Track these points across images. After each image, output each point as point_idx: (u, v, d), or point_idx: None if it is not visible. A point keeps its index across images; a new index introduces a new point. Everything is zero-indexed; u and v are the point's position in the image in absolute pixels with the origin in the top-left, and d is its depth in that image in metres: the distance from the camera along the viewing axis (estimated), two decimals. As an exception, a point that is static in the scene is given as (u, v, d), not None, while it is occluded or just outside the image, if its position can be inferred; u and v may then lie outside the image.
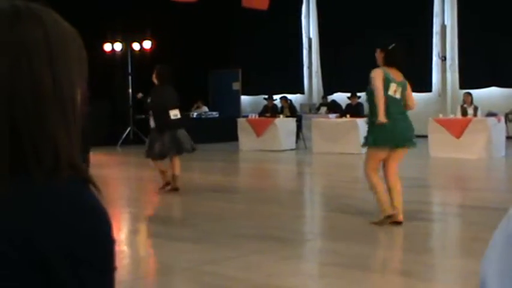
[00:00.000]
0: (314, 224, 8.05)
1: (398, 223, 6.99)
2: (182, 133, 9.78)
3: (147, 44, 20.83)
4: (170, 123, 9.61)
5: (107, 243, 1.03)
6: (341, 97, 21.01)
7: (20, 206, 0.98)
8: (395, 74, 7.02)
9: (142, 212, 8.72)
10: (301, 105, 22.70)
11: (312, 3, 24.24)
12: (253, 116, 19.13)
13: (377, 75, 6.92)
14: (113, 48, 20.98)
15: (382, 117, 6.84)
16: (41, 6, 1.08)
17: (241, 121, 18.64)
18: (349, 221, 7.49)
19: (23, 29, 1.03)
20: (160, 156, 9.66)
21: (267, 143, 17.56)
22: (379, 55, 7.15)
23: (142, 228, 7.75)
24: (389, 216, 7.00)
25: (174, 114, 9.69)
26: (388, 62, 7.04)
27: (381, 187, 7.04)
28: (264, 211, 8.31)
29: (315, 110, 21.14)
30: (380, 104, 6.82)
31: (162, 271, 5.70)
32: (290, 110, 19.12)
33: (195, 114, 21.49)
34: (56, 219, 0.98)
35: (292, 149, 17.74)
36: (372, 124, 7.03)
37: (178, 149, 9.72)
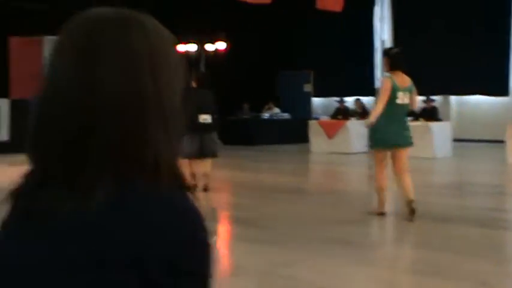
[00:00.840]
0: (387, 229, 7.95)
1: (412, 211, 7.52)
2: (209, 138, 9.90)
3: (221, 45, 21.02)
4: (198, 126, 9.73)
5: (206, 250, 1.03)
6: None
7: (123, 214, 0.99)
8: (402, 79, 7.48)
9: (207, 212, 8.79)
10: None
11: (386, 5, 23.95)
12: (325, 118, 19.04)
13: (385, 86, 7.47)
14: (186, 50, 21.27)
15: (369, 120, 7.61)
16: (143, 14, 1.08)
17: (312, 123, 18.59)
18: (422, 226, 7.37)
19: (130, 36, 1.04)
20: (187, 156, 9.75)
21: (339, 145, 17.45)
22: (385, 62, 7.65)
23: (211, 228, 7.82)
24: (381, 213, 7.86)
25: (204, 118, 9.84)
26: (394, 67, 7.49)
27: (379, 185, 7.84)
28: (337, 214, 8.26)
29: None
30: (375, 112, 7.51)
31: (235, 272, 5.73)
32: (363, 111, 18.93)
33: (266, 115, 21.58)
34: (158, 227, 0.99)
35: (363, 152, 17.57)
36: (371, 129, 7.68)
37: (201, 152, 9.86)
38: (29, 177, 1.07)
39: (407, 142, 7.70)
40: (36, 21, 20.34)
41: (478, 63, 20.11)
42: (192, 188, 1.08)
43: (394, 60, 7.52)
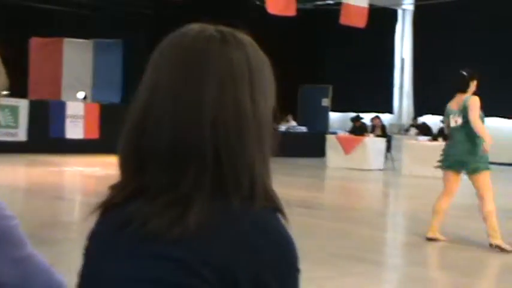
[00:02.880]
0: (406, 250, 7.88)
1: (497, 247, 7.11)
2: None
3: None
4: None
5: (294, 272, 1.03)
6: (431, 119, 20.61)
7: (217, 232, 0.99)
8: (454, 103, 7.40)
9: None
10: (391, 125, 22.41)
11: (408, 23, 23.94)
12: (342, 133, 19.00)
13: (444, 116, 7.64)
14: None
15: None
16: (240, 32, 1.10)
17: (330, 137, 18.55)
18: (444, 248, 7.30)
19: (230, 54, 1.04)
20: None
21: (355, 161, 17.40)
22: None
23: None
24: (429, 239, 7.49)
25: None
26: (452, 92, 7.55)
27: (435, 209, 7.55)
28: (356, 231, 8.20)
29: (404, 130, 20.83)
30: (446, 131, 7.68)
31: None
32: (381, 129, 18.88)
33: (282, 128, 21.55)
34: (249, 247, 0.99)
35: (380, 169, 17.51)
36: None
37: None
38: (118, 189, 1.06)
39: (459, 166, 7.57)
40: (56, 23, 20.49)
41: (501, 85, 20.03)
42: (283, 210, 1.07)
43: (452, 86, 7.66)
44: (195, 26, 1.08)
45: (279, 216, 1.05)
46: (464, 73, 7.43)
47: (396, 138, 19.12)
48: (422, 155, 16.02)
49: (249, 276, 0.98)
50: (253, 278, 0.98)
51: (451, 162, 7.40)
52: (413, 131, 20.00)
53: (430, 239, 7.52)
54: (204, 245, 0.98)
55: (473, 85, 7.39)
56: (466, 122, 7.21)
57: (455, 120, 7.33)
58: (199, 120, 1.00)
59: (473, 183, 7.32)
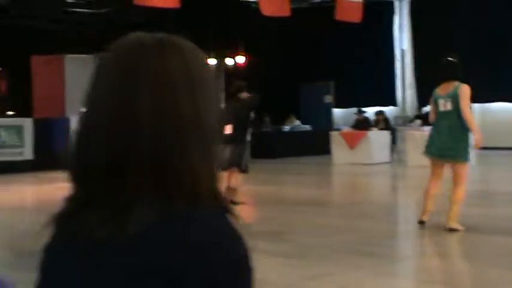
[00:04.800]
0: (412, 241, 7.89)
1: (450, 229, 7.34)
2: (230, 150, 9.52)
3: (240, 59, 21.09)
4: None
5: (246, 272, 1.03)
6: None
7: (162, 235, 1.00)
8: (442, 89, 7.51)
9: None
10: (395, 117, 22.37)
11: (405, 14, 23.89)
12: (346, 129, 18.99)
13: (431, 99, 7.75)
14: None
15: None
16: (179, 38, 1.10)
17: (334, 134, 18.54)
18: (447, 238, 7.31)
19: (166, 59, 1.05)
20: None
21: (361, 156, 17.38)
22: None
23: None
24: (420, 221, 7.62)
25: (225, 130, 9.59)
26: (437, 80, 7.65)
27: (426, 192, 7.72)
28: (362, 226, 8.22)
29: (409, 122, 20.79)
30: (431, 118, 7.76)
31: (262, 287, 5.71)
32: (385, 123, 18.85)
33: (287, 128, 21.56)
34: (194, 248, 0.99)
35: (386, 162, 17.49)
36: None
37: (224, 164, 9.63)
38: (71, 200, 1.08)
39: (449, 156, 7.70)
40: (56, 41, 20.58)
41: (500, 70, 19.99)
42: (232, 210, 1.08)
43: (438, 73, 7.72)
44: (132, 35, 1.09)
45: (227, 215, 1.05)
46: (453, 60, 7.54)
47: (401, 130, 19.08)
48: (427, 145, 16.00)
49: (200, 279, 0.98)
50: (204, 280, 0.98)
51: (436, 150, 7.53)
52: (418, 121, 19.95)
53: (422, 222, 7.69)
54: (149, 249, 0.99)
55: (460, 71, 7.54)
56: (456, 108, 7.32)
57: (444, 105, 7.40)
58: (136, 126, 1.01)
59: (453, 170, 7.50)
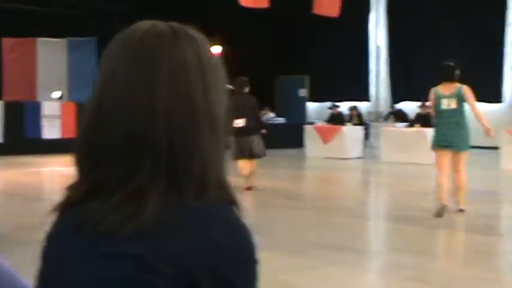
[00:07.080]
0: (387, 236, 7.94)
1: (461, 210, 8.37)
2: (246, 140, 10.39)
3: (216, 49, 21.00)
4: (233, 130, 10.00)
5: (252, 264, 1.04)
6: (408, 106, 20.73)
7: (173, 226, 0.99)
8: (444, 88, 8.27)
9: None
10: (368, 113, 22.49)
11: (381, 11, 24.00)
12: (320, 123, 19.03)
13: (430, 96, 8.48)
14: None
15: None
16: (190, 27, 1.11)
17: (308, 128, 18.59)
18: (423, 233, 7.36)
19: (182, 48, 1.06)
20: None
21: (334, 150, 17.45)
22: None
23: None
24: (442, 206, 8.12)
25: (236, 123, 10.25)
26: (439, 80, 8.40)
27: (440, 185, 8.26)
28: (336, 221, 8.24)
29: (383, 118, 20.92)
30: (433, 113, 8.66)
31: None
32: (359, 118, 18.95)
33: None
34: (205, 240, 0.99)
35: (359, 158, 17.57)
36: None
37: (238, 153, 10.40)
38: (75, 188, 1.07)
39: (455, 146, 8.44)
40: (29, 23, 20.25)
41: (472, 69, 20.20)
42: (238, 202, 1.08)
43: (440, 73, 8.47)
44: (146, 23, 1.09)
45: (234, 208, 1.06)
46: (451, 63, 8.36)
47: (374, 126, 19.19)
48: (400, 141, 16.13)
49: (207, 269, 0.98)
50: (211, 271, 0.98)
51: (447, 142, 8.26)
52: (392, 118, 20.09)
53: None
54: (160, 239, 0.98)
55: (458, 74, 8.33)
56: (460, 106, 8.17)
57: (448, 104, 8.18)
58: (152, 112, 1.01)
59: (455, 159, 8.31)
